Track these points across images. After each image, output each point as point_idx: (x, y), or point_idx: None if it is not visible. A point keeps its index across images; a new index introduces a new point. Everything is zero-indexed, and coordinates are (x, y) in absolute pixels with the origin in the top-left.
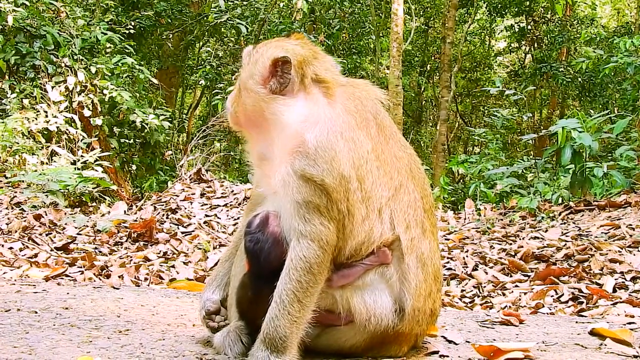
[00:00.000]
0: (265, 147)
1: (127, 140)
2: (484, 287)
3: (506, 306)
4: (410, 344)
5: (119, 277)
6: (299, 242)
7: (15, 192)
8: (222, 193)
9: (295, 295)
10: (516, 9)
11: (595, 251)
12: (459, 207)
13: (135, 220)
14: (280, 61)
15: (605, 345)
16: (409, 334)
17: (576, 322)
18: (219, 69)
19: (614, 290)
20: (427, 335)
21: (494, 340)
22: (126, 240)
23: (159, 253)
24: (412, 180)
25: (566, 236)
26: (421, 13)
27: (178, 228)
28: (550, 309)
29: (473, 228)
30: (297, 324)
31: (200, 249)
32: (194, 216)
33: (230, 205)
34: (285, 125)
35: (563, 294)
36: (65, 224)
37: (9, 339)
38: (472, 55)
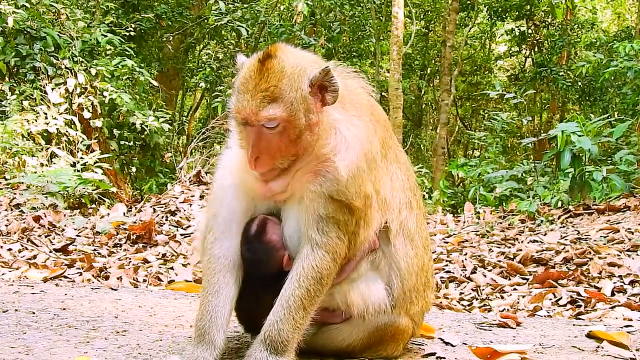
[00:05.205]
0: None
1: (126, 143)
2: (483, 290)
3: (504, 309)
4: (406, 340)
5: (118, 278)
6: (312, 251)
7: (15, 193)
8: None
9: (302, 302)
10: (517, 13)
11: (594, 255)
12: (459, 210)
13: (135, 222)
14: (326, 72)
15: (602, 348)
16: (406, 325)
17: (573, 324)
18: (219, 71)
19: (613, 294)
20: (424, 337)
21: (491, 342)
22: (125, 242)
23: (157, 255)
24: (398, 165)
25: (565, 240)
26: (422, 16)
27: (177, 230)
28: (548, 312)
29: (472, 231)
30: (299, 330)
31: None
32: (193, 218)
33: None
34: (317, 142)
35: (562, 297)
36: (65, 225)
37: (7, 340)
38: (472, 59)
